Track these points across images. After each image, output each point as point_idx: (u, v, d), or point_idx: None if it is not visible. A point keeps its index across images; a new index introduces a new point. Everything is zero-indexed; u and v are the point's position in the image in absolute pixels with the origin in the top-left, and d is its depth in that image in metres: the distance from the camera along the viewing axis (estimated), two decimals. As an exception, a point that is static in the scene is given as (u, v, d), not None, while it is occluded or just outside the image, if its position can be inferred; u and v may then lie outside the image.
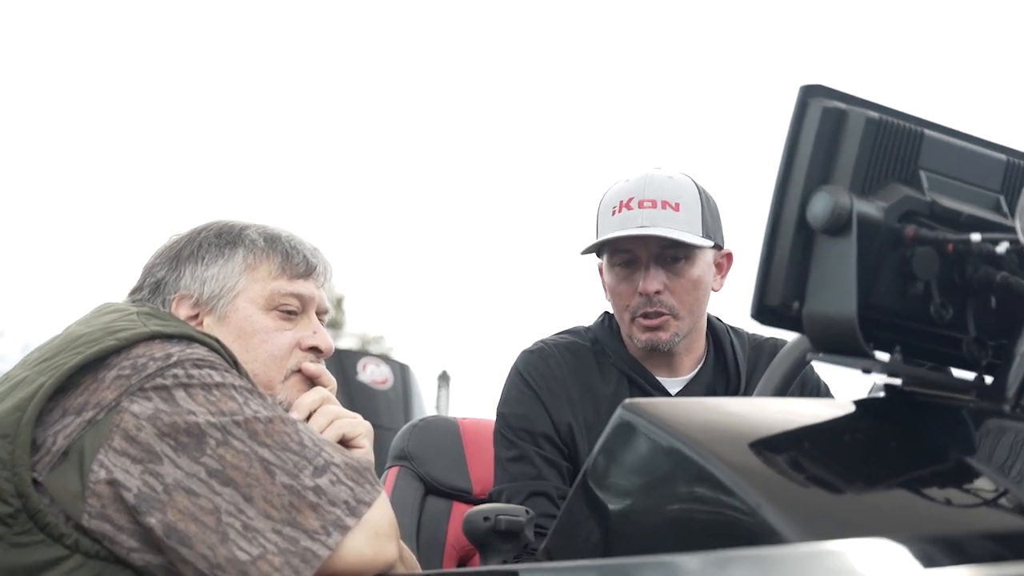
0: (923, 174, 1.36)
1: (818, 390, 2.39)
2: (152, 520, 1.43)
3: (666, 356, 2.33)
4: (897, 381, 1.37)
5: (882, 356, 1.38)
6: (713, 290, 2.35)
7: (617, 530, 1.32)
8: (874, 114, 1.33)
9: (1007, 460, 1.18)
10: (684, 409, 1.36)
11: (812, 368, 2.39)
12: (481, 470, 2.52)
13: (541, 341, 2.41)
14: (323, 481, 1.49)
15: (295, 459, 1.49)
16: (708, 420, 1.33)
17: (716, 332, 2.41)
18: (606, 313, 2.44)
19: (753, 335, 2.46)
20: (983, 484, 1.17)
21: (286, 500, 1.46)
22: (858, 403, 1.37)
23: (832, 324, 1.29)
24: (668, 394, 2.33)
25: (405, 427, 2.58)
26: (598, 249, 2.33)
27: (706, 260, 2.32)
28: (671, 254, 2.27)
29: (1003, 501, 1.14)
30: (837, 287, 1.29)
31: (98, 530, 1.44)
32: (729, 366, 2.38)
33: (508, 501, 2.24)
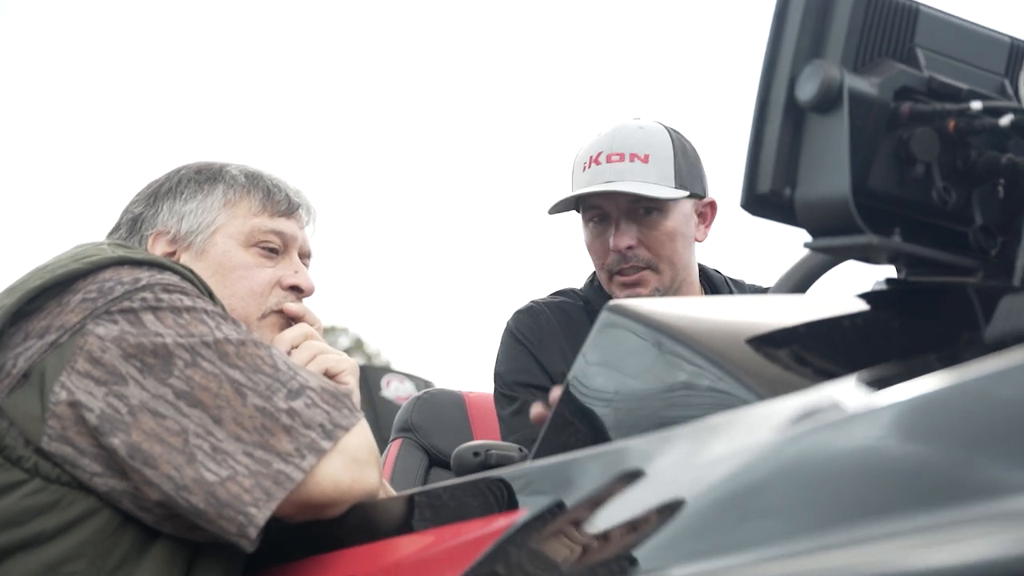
0: (920, 52, 1.28)
1: None
2: (115, 441, 1.35)
3: None
4: (897, 275, 1.29)
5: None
6: (697, 240, 2.27)
7: (604, 426, 1.24)
8: (865, -13, 1.26)
9: (1019, 336, 1.09)
10: (669, 306, 1.28)
11: None
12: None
13: (532, 301, 2.36)
14: (298, 404, 1.41)
15: (268, 381, 1.41)
16: (695, 315, 1.25)
17: (713, 283, 2.34)
18: (593, 272, 2.37)
19: (754, 285, 2.37)
20: (992, 356, 1.07)
21: (258, 422, 1.38)
22: (857, 294, 1.28)
23: (826, 206, 1.20)
24: None
25: (409, 400, 2.51)
26: (575, 207, 2.26)
27: (682, 211, 2.23)
28: (643, 206, 2.19)
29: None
30: (830, 168, 1.21)
31: (58, 453, 1.37)
32: None
33: None
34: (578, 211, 2.31)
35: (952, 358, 1.05)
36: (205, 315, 1.45)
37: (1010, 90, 1.33)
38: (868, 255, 1.23)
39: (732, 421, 0.96)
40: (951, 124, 1.23)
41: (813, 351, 1.14)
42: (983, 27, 1.36)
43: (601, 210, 2.23)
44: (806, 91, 1.21)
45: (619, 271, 2.22)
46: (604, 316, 1.28)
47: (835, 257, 1.45)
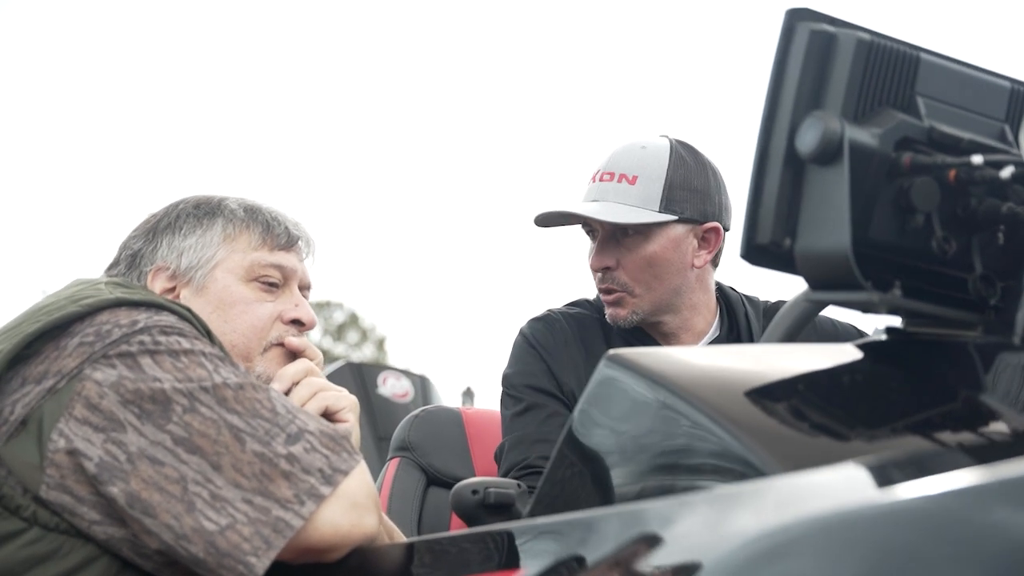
0: (920, 100, 1.27)
1: (837, 335, 2.26)
2: (114, 490, 1.35)
3: (661, 331, 2.25)
4: (898, 322, 1.29)
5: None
6: (694, 266, 2.22)
7: (604, 482, 1.24)
8: (865, 36, 1.25)
9: (1013, 392, 1.09)
10: (668, 358, 1.27)
11: (834, 323, 2.30)
12: (484, 460, 2.44)
13: (548, 310, 2.35)
14: (296, 449, 1.41)
15: (267, 426, 1.41)
16: (693, 367, 1.25)
17: (730, 302, 2.32)
18: None
19: (767, 301, 2.36)
20: (986, 418, 1.07)
21: (257, 468, 1.38)
22: (857, 345, 1.27)
23: (826, 260, 1.20)
24: None
25: (407, 418, 2.50)
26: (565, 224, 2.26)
27: (668, 236, 2.19)
28: (621, 229, 2.18)
29: (1009, 436, 1.05)
30: (830, 220, 1.20)
31: (57, 502, 1.37)
32: (743, 337, 2.28)
33: (509, 451, 2.18)
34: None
35: (956, 424, 1.05)
36: (203, 357, 1.44)
37: (1010, 136, 1.32)
38: (868, 309, 1.23)
39: (737, 494, 0.96)
40: (952, 174, 1.23)
41: (813, 412, 1.14)
42: (984, 71, 1.35)
43: (590, 227, 2.24)
44: (806, 143, 1.21)
45: (603, 289, 2.23)
46: (603, 366, 1.28)
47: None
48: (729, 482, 1.06)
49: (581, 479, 1.27)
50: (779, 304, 2.35)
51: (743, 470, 1.04)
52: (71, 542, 1.38)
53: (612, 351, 1.29)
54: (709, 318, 2.28)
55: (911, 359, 1.22)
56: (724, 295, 2.31)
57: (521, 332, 2.31)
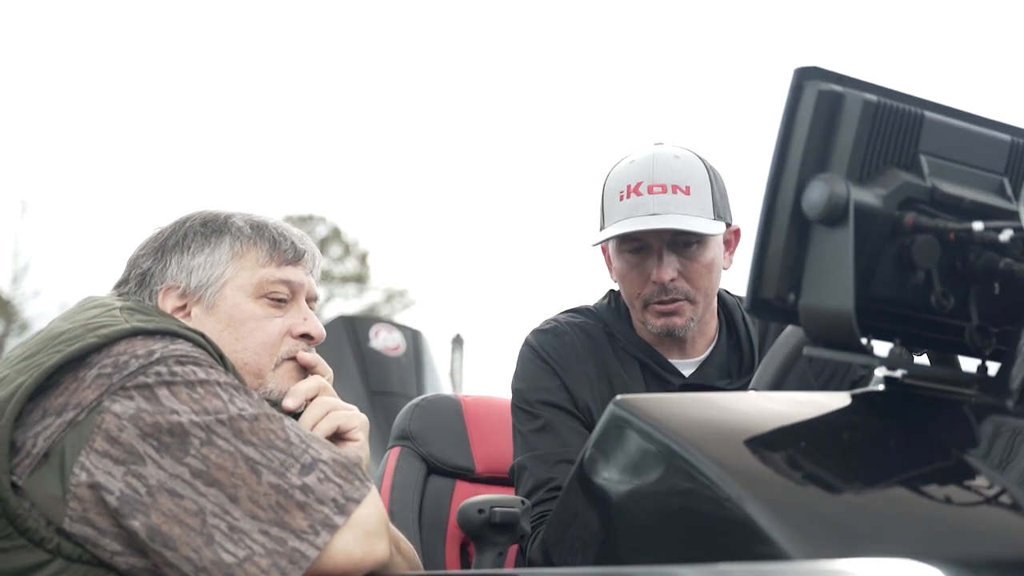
0: (923, 158, 1.31)
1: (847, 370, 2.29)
2: (135, 523, 1.40)
3: (678, 339, 2.28)
4: (897, 373, 1.33)
5: (882, 347, 1.34)
6: (724, 268, 2.29)
7: (610, 527, 1.29)
8: (872, 97, 1.28)
9: (1009, 459, 1.14)
10: (676, 406, 1.32)
11: None
12: (484, 448, 2.48)
13: (553, 320, 2.35)
14: (311, 479, 1.45)
15: (282, 457, 1.46)
16: (700, 418, 1.29)
17: (727, 307, 2.35)
18: (611, 292, 2.38)
19: None
20: (983, 485, 1.12)
21: (273, 500, 1.43)
22: (856, 396, 1.32)
23: (829, 319, 1.24)
24: (682, 376, 2.28)
25: (406, 407, 2.54)
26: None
27: (718, 242, 2.25)
28: (683, 240, 2.20)
29: (1004, 504, 1.10)
30: (834, 280, 1.24)
31: (80, 534, 1.42)
32: (742, 341, 2.32)
33: (532, 470, 2.18)
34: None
35: (942, 486, 1.10)
36: (219, 388, 1.48)
37: (1009, 190, 1.36)
38: (868, 365, 1.27)
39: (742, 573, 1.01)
40: (952, 235, 1.27)
41: (817, 473, 1.18)
42: (985, 122, 1.38)
43: (642, 241, 2.22)
44: (813, 206, 1.24)
45: (657, 300, 2.22)
46: (612, 410, 1.32)
47: None
48: (726, 539, 1.11)
49: (585, 528, 1.31)
50: None
51: (739, 526, 1.09)
52: (94, 572, 1.42)
53: (620, 396, 1.33)
54: (714, 323, 2.33)
55: (909, 415, 1.27)
56: (720, 298, 2.35)
57: (528, 344, 2.31)
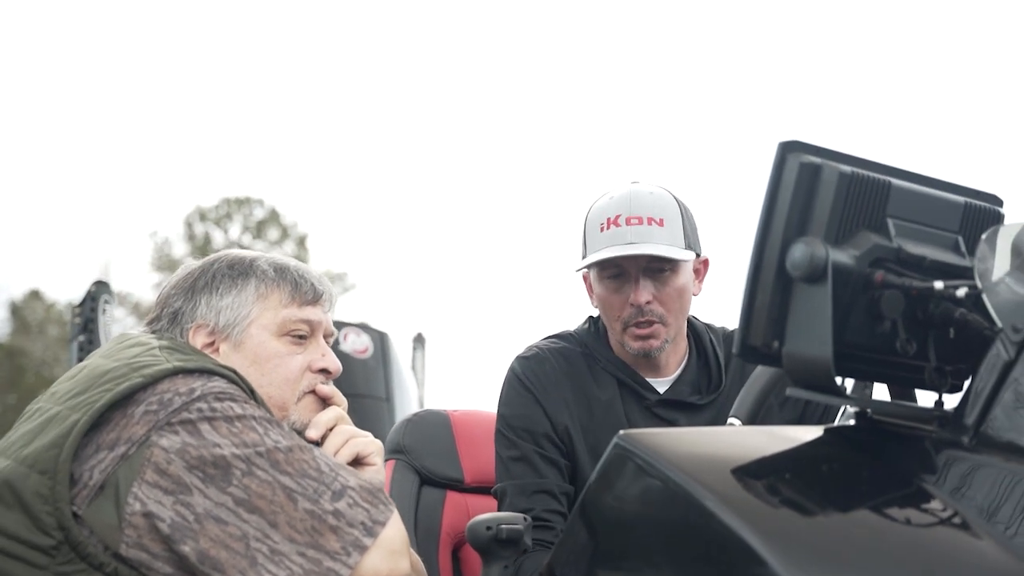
0: (890, 221, 1.49)
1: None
2: (186, 548, 1.55)
3: (653, 359, 2.47)
4: (868, 409, 1.51)
5: (854, 385, 1.53)
6: (693, 295, 2.49)
7: (614, 555, 1.45)
8: (847, 168, 1.46)
9: (962, 490, 1.32)
10: (676, 440, 1.49)
11: None
12: (471, 460, 2.66)
13: (535, 346, 2.55)
14: (341, 505, 1.61)
15: (315, 485, 1.61)
16: (698, 452, 1.46)
17: (696, 331, 2.56)
18: (591, 318, 2.58)
19: (724, 328, 2.61)
20: (946, 515, 1.30)
21: (308, 524, 1.58)
22: (831, 431, 1.50)
23: (809, 365, 1.42)
24: (657, 392, 2.49)
25: (400, 422, 2.71)
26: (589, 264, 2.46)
27: (688, 269, 2.47)
28: (657, 266, 2.41)
29: (963, 531, 1.28)
30: (814, 331, 1.42)
31: (135, 558, 1.56)
32: (710, 361, 2.53)
33: (512, 498, 2.39)
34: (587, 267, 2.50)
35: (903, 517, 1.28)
36: (254, 422, 1.64)
37: (963, 247, 1.54)
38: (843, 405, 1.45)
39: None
40: (915, 291, 1.45)
41: (809, 508, 1.36)
42: (944, 186, 1.56)
43: (620, 268, 2.44)
44: (796, 265, 1.42)
45: (635, 323, 2.43)
46: (616, 444, 1.49)
47: None
48: (729, 572, 1.27)
49: (590, 556, 1.48)
50: (734, 332, 2.58)
51: (743, 560, 1.25)
52: (148, 593, 1.57)
53: (624, 432, 1.49)
54: (684, 344, 2.52)
55: (877, 448, 1.45)
56: (689, 322, 2.55)
57: (512, 371, 2.51)
